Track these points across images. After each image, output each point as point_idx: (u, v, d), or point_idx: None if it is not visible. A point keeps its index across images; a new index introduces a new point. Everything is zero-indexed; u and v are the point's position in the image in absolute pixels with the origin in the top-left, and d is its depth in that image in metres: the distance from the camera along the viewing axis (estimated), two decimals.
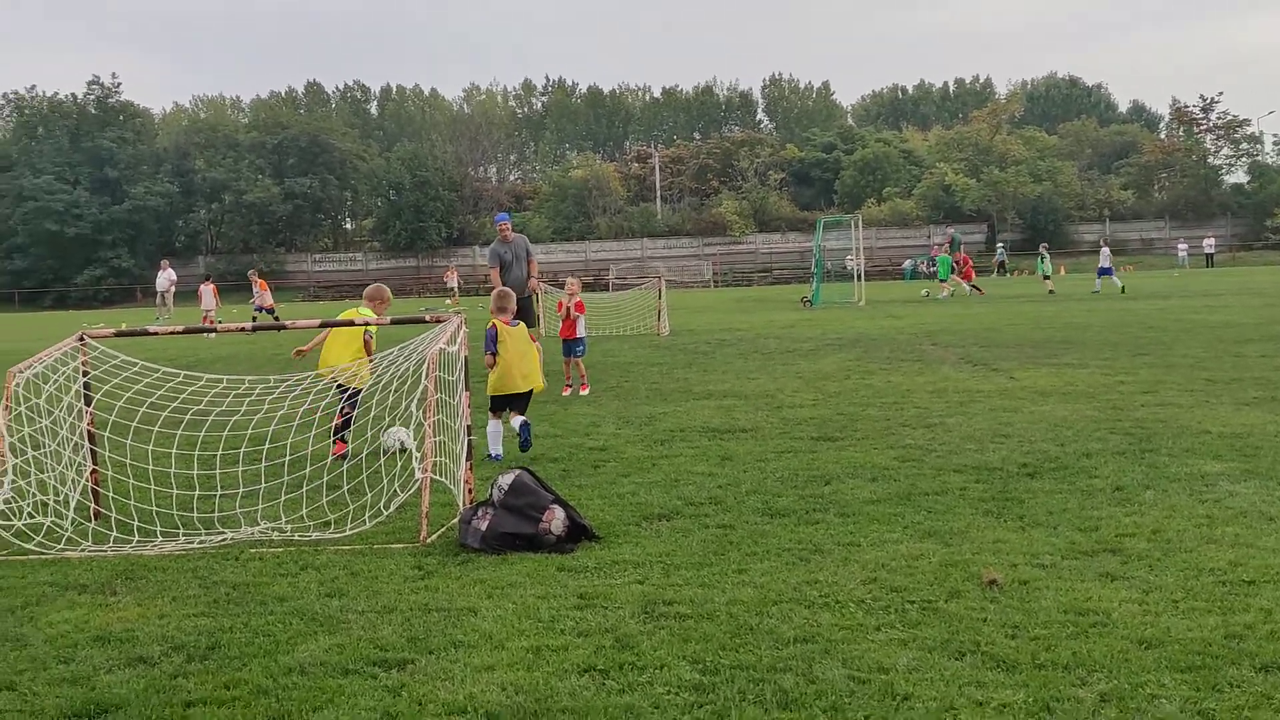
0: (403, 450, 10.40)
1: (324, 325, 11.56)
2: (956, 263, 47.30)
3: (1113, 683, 4.92)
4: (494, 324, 11.53)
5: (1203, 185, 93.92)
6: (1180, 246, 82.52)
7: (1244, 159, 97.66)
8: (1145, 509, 7.98)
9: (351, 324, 11.08)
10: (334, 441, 11.28)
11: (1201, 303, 33.04)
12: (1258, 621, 5.60)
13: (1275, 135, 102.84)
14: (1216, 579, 6.32)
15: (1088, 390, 14.25)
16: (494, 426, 11.41)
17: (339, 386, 11.31)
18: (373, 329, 11.61)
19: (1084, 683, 4.94)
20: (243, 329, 10.60)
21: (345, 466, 9.63)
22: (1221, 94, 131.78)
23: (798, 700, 4.87)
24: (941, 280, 46.58)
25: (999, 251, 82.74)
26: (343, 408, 11.49)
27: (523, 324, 12.41)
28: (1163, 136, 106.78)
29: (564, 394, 15.77)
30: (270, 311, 40.35)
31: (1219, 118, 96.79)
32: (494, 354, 11.33)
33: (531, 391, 11.68)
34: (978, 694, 4.86)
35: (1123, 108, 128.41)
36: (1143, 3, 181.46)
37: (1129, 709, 4.65)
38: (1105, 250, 47.44)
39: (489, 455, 11.24)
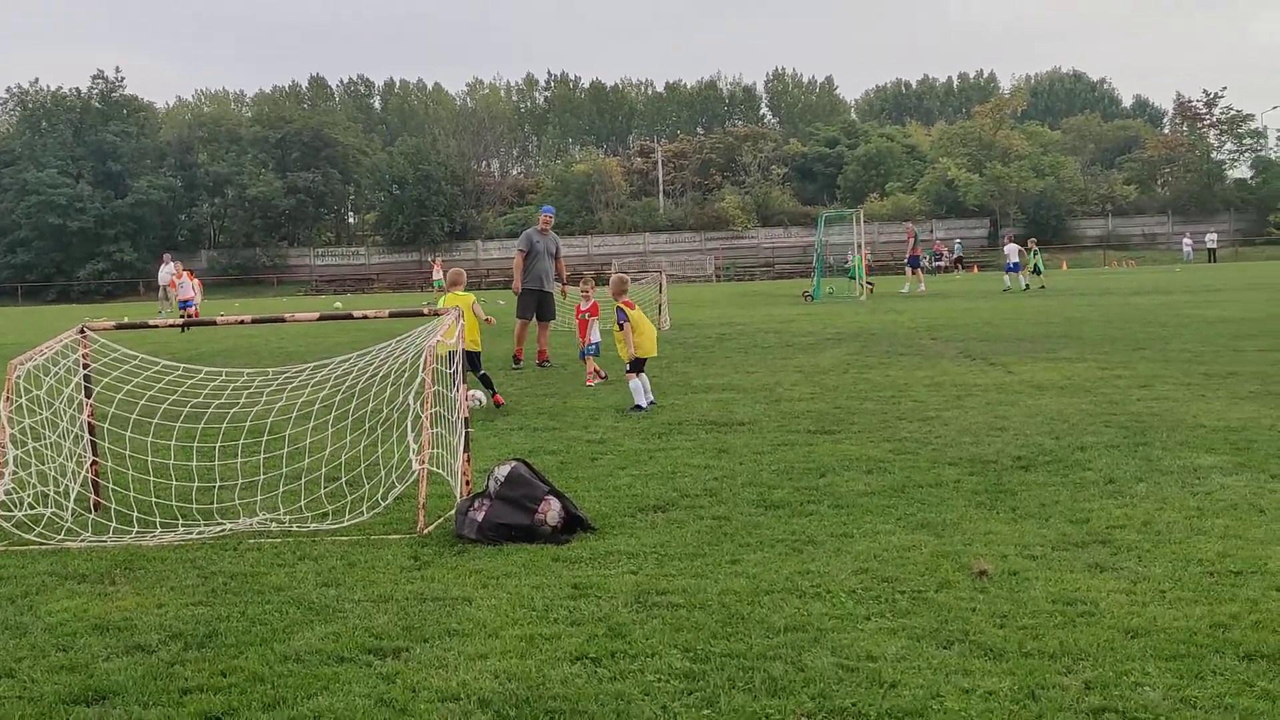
0: (650, 405, 13.54)
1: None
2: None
3: (1097, 671, 4.97)
4: (620, 306, 14.08)
5: (1206, 180, 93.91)
6: (1185, 241, 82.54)
7: (1247, 154, 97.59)
8: (1137, 501, 8.02)
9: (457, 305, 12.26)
10: (492, 395, 14.13)
11: (1202, 298, 33.04)
12: (1243, 611, 5.64)
13: (1279, 130, 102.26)
14: (1204, 569, 6.37)
15: (1084, 384, 14.28)
16: (636, 383, 13.67)
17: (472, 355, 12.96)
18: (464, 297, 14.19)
19: (1069, 671, 4.99)
20: (241, 321, 10.65)
21: (345, 458, 9.66)
22: (1225, 89, 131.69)
23: (786, 687, 4.92)
24: (867, 281, 45.45)
25: (956, 247, 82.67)
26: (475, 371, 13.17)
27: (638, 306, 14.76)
28: (1166, 131, 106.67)
29: (588, 384, 16.10)
30: (185, 304, 38.72)
31: (1223, 113, 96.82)
32: (621, 326, 13.83)
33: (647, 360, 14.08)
34: (964, 682, 4.91)
35: (1126, 103, 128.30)
36: None
37: (1112, 696, 4.71)
38: (1011, 247, 47.64)
39: (635, 406, 13.48)
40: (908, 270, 46.51)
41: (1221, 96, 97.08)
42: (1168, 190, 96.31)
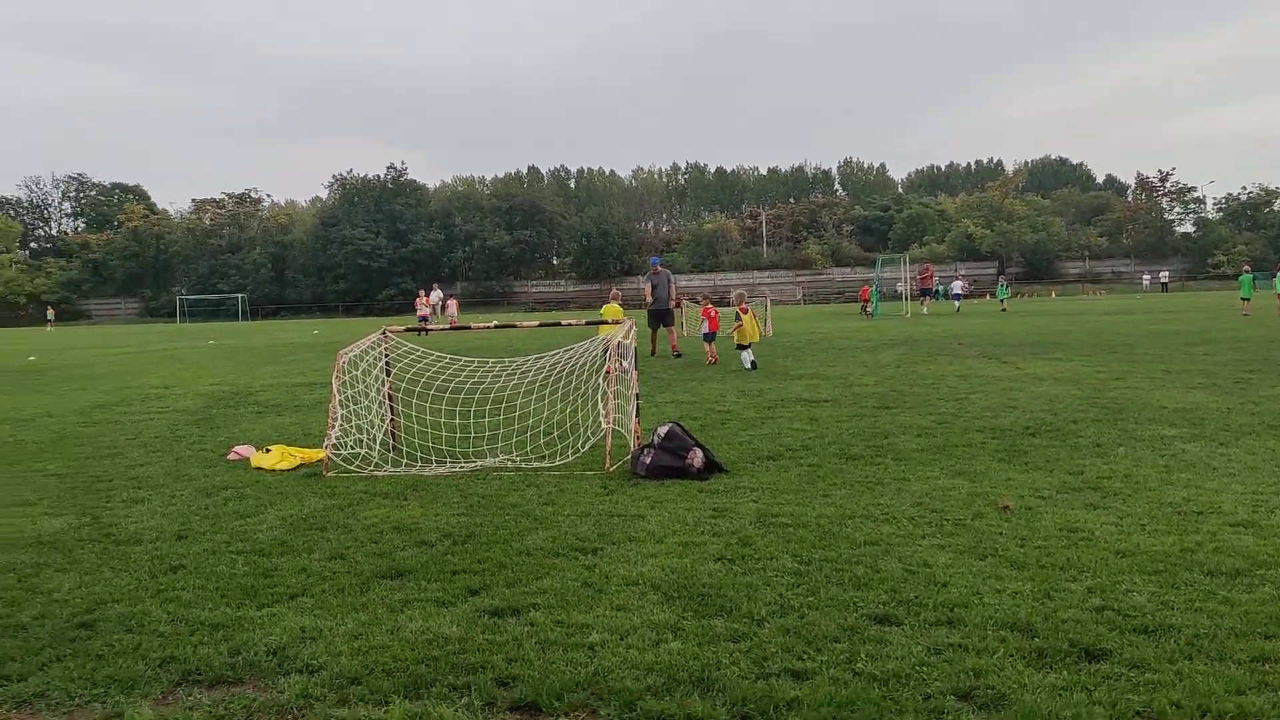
0: (754, 366, 15.94)
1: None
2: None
3: (1097, 580, 4.69)
4: (738, 311, 16.86)
5: (1159, 234, 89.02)
6: (1144, 277, 78.70)
7: (1191, 215, 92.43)
8: (1118, 460, 7.59)
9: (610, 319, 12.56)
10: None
11: (1158, 317, 31.29)
12: (1205, 540, 5.27)
13: (1214, 199, 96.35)
14: (1174, 509, 5.97)
15: (1073, 377, 13.61)
16: (743, 355, 16.36)
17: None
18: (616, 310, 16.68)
19: (1075, 579, 4.72)
20: (487, 327, 10.79)
21: (556, 420, 9.70)
22: (1175, 168, 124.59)
23: (867, 583, 4.76)
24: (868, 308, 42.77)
25: (1001, 287, 79.56)
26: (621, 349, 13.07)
27: (752, 310, 17.26)
28: (1129, 199, 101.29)
29: (709, 363, 17.49)
30: (424, 319, 38.36)
31: (1173, 185, 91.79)
32: (738, 324, 16.60)
33: (752, 344, 16.70)
34: (997, 584, 4.68)
35: (1100, 179, 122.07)
36: (1117, 102, 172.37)
37: (1109, 599, 4.43)
38: (959, 281, 46.11)
39: (750, 367, 16.01)
40: (922, 298, 44.94)
41: (1172, 174, 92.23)
42: (1130, 241, 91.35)
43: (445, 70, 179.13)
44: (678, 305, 21.20)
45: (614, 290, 20.16)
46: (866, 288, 46.41)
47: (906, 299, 43.21)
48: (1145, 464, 7.37)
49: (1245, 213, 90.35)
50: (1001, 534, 5.54)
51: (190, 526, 6.39)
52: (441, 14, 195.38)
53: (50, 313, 75.24)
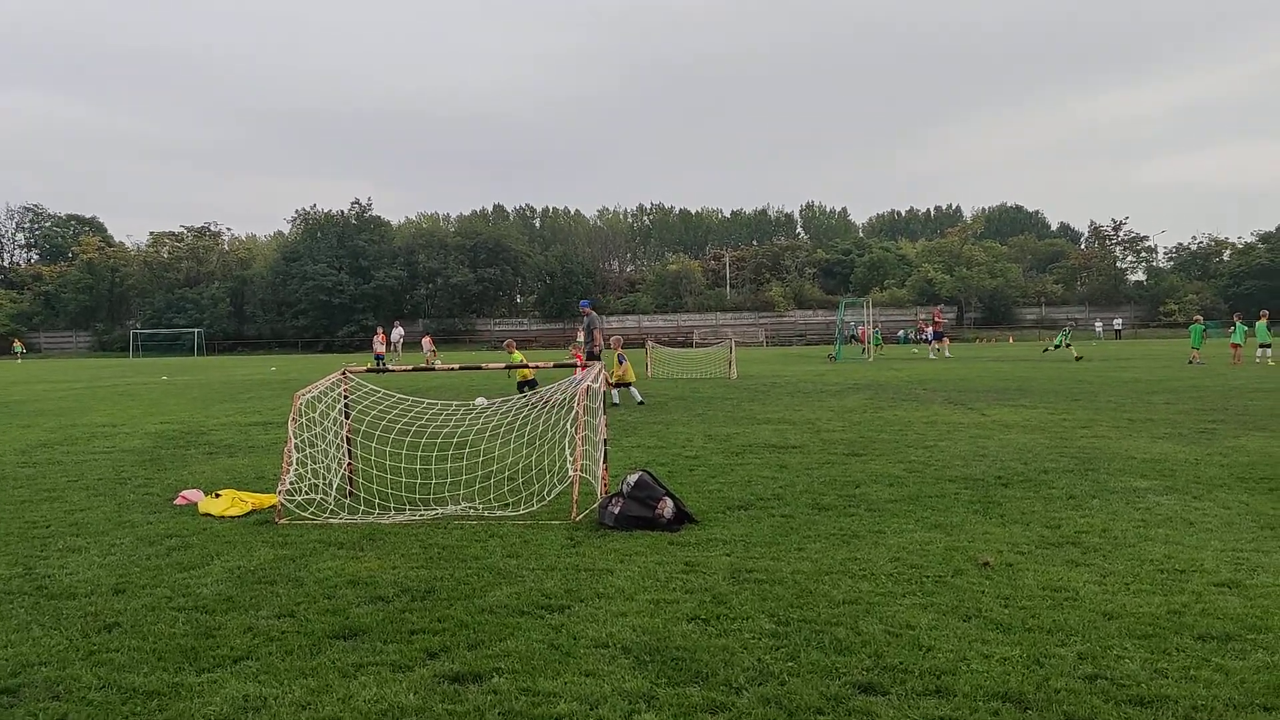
0: (642, 402, 17.68)
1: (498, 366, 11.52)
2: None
3: (1086, 645, 4.51)
4: (620, 353, 18.66)
5: (1113, 282, 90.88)
6: (1097, 325, 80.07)
7: (1143, 264, 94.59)
8: (1094, 513, 7.46)
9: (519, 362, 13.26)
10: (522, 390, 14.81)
11: (1116, 364, 31.69)
12: (1191, 601, 5.12)
13: (1165, 248, 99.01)
14: (1156, 567, 5.83)
15: (1040, 424, 13.57)
16: (614, 392, 17.61)
17: (521, 383, 16.93)
18: (519, 356, 18.71)
19: (1064, 644, 4.53)
20: (451, 368, 10.49)
21: (520, 465, 9.40)
22: (1128, 217, 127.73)
23: (849, 647, 4.54)
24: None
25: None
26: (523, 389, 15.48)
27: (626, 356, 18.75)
28: (1083, 247, 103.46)
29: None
30: (379, 358, 39.35)
31: (1125, 234, 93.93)
32: (622, 366, 18.20)
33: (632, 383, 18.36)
34: (983, 649, 4.48)
35: (1054, 226, 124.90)
36: (1070, 148, 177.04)
37: (1101, 666, 4.24)
38: (930, 330, 46.21)
39: (615, 402, 17.39)
40: (934, 341, 45.00)
41: (1124, 223, 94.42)
42: (1085, 288, 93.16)
43: (411, 103, 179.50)
44: (608, 347, 21.05)
45: (508, 341, 20.95)
46: (864, 328, 46.54)
47: (869, 342, 43.41)
48: (1121, 518, 7.24)
49: (1196, 262, 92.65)
50: (984, 593, 5.35)
51: (129, 579, 6.01)
52: (406, 46, 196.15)
53: (19, 346, 73.81)
